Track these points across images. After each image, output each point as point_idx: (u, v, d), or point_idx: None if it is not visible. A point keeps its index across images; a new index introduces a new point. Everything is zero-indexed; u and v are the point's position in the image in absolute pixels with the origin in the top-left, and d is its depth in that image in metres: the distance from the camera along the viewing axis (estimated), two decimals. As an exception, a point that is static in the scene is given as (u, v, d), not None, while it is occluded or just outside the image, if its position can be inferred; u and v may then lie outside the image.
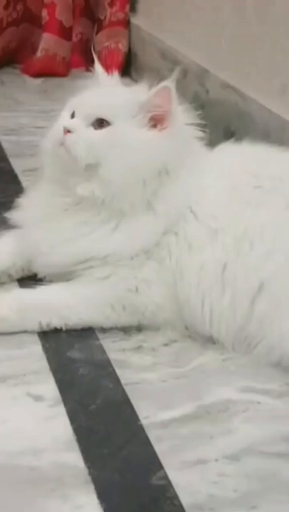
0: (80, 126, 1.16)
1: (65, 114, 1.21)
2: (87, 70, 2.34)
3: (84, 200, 1.19)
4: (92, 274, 1.19)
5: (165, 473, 0.94)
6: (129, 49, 2.32)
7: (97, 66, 1.26)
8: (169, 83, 1.14)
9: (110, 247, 1.18)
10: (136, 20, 2.30)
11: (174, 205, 1.18)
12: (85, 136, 1.16)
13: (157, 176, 1.17)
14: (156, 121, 1.17)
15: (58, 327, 1.19)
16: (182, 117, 1.20)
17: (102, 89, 1.23)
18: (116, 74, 1.27)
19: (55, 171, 1.22)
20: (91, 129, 1.17)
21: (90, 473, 0.94)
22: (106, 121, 1.16)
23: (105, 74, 1.26)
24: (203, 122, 1.23)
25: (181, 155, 1.18)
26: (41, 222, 1.23)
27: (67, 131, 1.16)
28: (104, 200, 1.17)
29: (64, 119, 1.20)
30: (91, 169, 1.16)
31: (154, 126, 1.17)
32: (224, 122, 1.77)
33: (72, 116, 1.19)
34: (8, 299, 1.19)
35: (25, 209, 1.29)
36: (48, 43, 2.24)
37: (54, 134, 1.19)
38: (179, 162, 1.18)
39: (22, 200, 1.31)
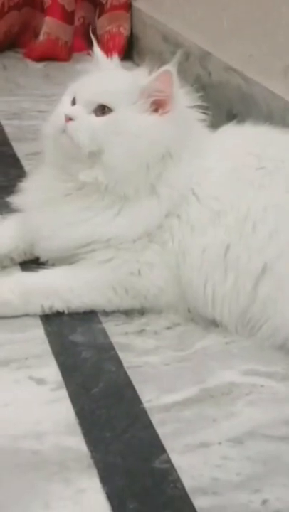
0: (82, 114, 1.15)
1: (66, 100, 1.20)
2: (89, 54, 2.32)
3: (86, 186, 1.18)
4: (94, 258, 1.19)
5: (168, 456, 0.94)
6: (131, 32, 2.31)
7: (96, 49, 1.25)
8: (170, 67, 1.13)
9: (113, 230, 1.17)
10: (137, 3, 2.28)
11: (177, 187, 1.17)
12: (87, 123, 1.15)
13: (161, 160, 1.16)
14: (157, 106, 1.16)
15: (61, 310, 1.18)
16: (184, 100, 1.19)
17: (102, 74, 1.21)
18: (116, 57, 1.25)
19: (56, 157, 1.21)
20: (93, 116, 1.15)
21: (93, 457, 0.93)
22: (107, 107, 1.15)
23: (105, 57, 1.24)
24: (205, 104, 1.22)
25: (184, 138, 1.17)
26: (43, 207, 1.23)
27: (69, 118, 1.15)
28: (107, 186, 1.16)
29: (65, 106, 1.19)
30: (94, 156, 1.15)
31: (156, 110, 1.16)
32: (227, 105, 1.76)
33: (74, 102, 1.18)
34: (10, 282, 1.19)
35: (27, 193, 1.28)
36: (50, 26, 2.23)
37: (55, 121, 1.18)
38: (181, 145, 1.17)
39: (24, 184, 1.30)
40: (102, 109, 1.15)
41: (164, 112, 1.15)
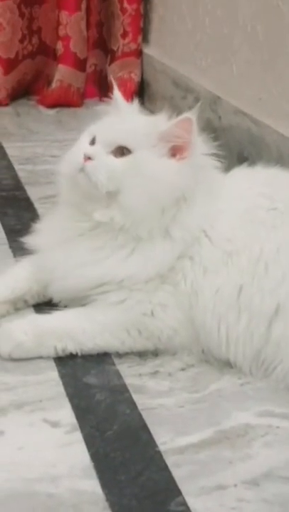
0: (101, 154, 1.16)
1: (85, 140, 1.21)
2: (101, 100, 2.37)
3: (101, 226, 1.19)
4: (107, 299, 1.19)
5: (183, 499, 0.93)
6: (142, 78, 2.34)
7: (117, 93, 1.25)
8: (191, 115, 1.14)
9: (126, 271, 1.18)
10: (148, 50, 2.32)
11: (190, 230, 1.18)
12: (106, 163, 1.16)
13: (176, 203, 1.17)
14: (175, 151, 1.17)
15: (74, 352, 1.18)
16: (200, 147, 1.20)
17: (122, 117, 1.22)
18: (136, 102, 1.26)
19: (72, 196, 1.22)
20: (112, 157, 1.16)
21: (108, 500, 0.93)
22: (127, 149, 1.16)
23: (125, 101, 1.25)
24: (220, 152, 1.23)
25: (199, 182, 1.18)
26: (57, 247, 1.23)
27: (88, 158, 1.16)
28: (123, 226, 1.17)
29: (83, 145, 1.20)
30: (111, 196, 1.16)
31: (174, 155, 1.17)
32: (237, 148, 1.78)
33: (92, 142, 1.19)
34: (23, 324, 1.19)
35: (41, 234, 1.29)
36: (62, 74, 2.27)
37: (73, 159, 1.19)
38: (196, 189, 1.18)
39: (38, 225, 1.32)
40: (122, 151, 1.16)
41: (182, 158, 1.16)
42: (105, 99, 1.29)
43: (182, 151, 1.16)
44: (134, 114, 1.24)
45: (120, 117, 1.22)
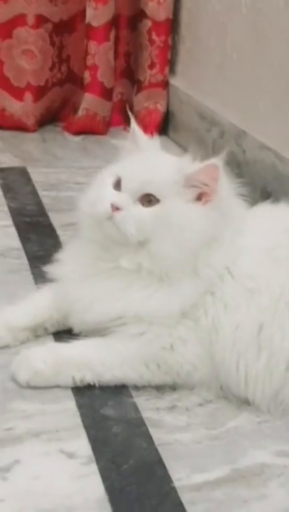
0: (129, 204, 1.15)
1: (109, 181, 1.19)
2: (126, 129, 2.37)
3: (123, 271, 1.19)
4: (126, 331, 1.19)
5: (198, 537, 0.93)
6: (167, 108, 2.36)
7: (135, 127, 1.24)
8: (217, 161, 1.13)
9: (148, 307, 1.17)
10: (174, 81, 2.34)
11: (216, 267, 1.17)
12: (135, 214, 1.15)
13: (204, 246, 1.17)
14: (201, 195, 1.16)
15: (92, 383, 1.19)
16: (226, 190, 1.19)
17: (147, 160, 1.20)
18: (156, 137, 1.26)
19: (96, 236, 1.20)
20: (139, 206, 1.15)
21: (122, 535, 0.93)
22: (154, 196, 1.16)
23: (145, 136, 1.24)
24: (244, 188, 1.23)
25: (226, 222, 1.18)
26: (79, 281, 1.23)
27: (116, 208, 1.15)
28: (152, 272, 1.17)
29: (108, 188, 1.18)
30: (139, 244, 1.16)
31: (199, 198, 1.16)
32: (261, 183, 1.78)
33: (117, 185, 1.18)
34: (42, 352, 1.20)
35: (63, 265, 1.30)
36: (89, 102, 2.29)
37: (100, 207, 1.17)
38: (224, 229, 1.18)
39: (60, 256, 1.32)
40: (149, 198, 1.16)
41: (208, 201, 1.16)
42: (129, 128, 1.27)
43: (208, 195, 1.16)
44: (157, 155, 1.22)
45: (144, 159, 1.20)
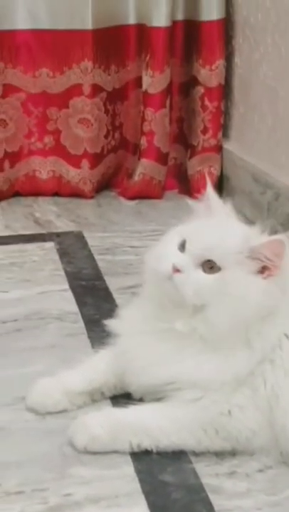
0: (189, 267, 1.15)
1: (174, 241, 1.19)
2: (180, 192, 2.41)
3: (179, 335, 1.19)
4: (181, 396, 1.18)
5: None
6: (221, 172, 2.38)
7: (211, 192, 1.23)
8: (283, 237, 1.13)
9: (200, 374, 1.17)
10: (228, 145, 2.37)
11: (271, 339, 1.16)
12: (194, 278, 1.15)
13: (261, 319, 1.16)
14: (264, 269, 1.15)
15: (149, 449, 1.18)
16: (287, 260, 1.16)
17: (215, 226, 1.19)
18: (229, 204, 1.24)
19: (158, 295, 1.21)
20: (200, 271, 1.15)
21: None
22: (216, 264, 1.15)
23: (219, 201, 1.23)
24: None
25: (284, 297, 1.16)
26: (135, 338, 1.24)
27: (177, 269, 1.16)
28: (206, 338, 1.17)
29: (173, 248, 1.18)
30: (196, 308, 1.16)
31: (262, 271, 1.15)
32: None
33: (182, 246, 1.18)
34: (100, 417, 1.20)
35: (123, 320, 1.30)
36: (145, 167, 2.33)
37: (162, 266, 1.17)
38: (281, 303, 1.16)
39: (121, 311, 1.32)
40: (211, 265, 1.15)
41: (270, 275, 1.14)
42: (198, 195, 1.27)
43: (271, 270, 1.14)
44: (226, 223, 1.21)
45: (212, 223, 1.20)
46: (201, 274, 1.16)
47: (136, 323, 1.26)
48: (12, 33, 2.23)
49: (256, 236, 1.18)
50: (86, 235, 2.08)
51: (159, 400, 1.22)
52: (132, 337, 1.25)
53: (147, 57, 2.26)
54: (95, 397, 1.31)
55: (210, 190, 1.23)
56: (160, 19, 2.22)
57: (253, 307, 1.14)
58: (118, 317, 1.32)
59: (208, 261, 1.15)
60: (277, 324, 1.16)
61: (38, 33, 2.24)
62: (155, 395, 1.22)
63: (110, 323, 1.32)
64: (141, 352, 1.22)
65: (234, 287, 1.14)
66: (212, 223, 1.20)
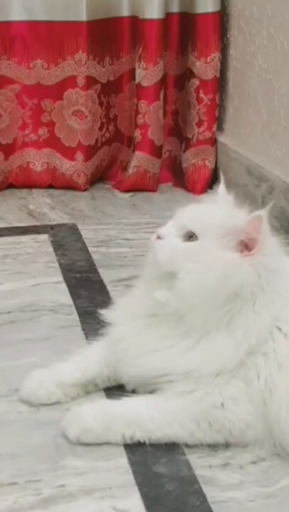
0: (170, 235, 1.19)
1: (170, 222, 1.22)
2: (174, 185, 2.41)
3: (159, 310, 1.20)
4: (174, 388, 1.18)
5: None
6: (215, 165, 2.38)
7: (222, 187, 1.25)
8: (263, 212, 1.13)
9: (189, 363, 1.17)
10: (222, 138, 2.37)
11: (255, 331, 1.16)
12: (171, 244, 1.18)
13: (233, 298, 1.15)
14: (244, 247, 1.15)
15: (142, 440, 1.18)
16: (272, 248, 1.18)
17: (206, 206, 1.23)
18: (232, 196, 1.24)
19: (147, 272, 1.24)
20: (178, 240, 1.18)
21: None
22: (195, 235, 1.18)
23: (226, 193, 1.24)
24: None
25: (261, 283, 1.15)
26: (128, 326, 1.24)
27: (158, 237, 1.19)
28: (177, 312, 1.17)
29: (168, 225, 1.22)
30: (170, 278, 1.17)
31: (241, 250, 1.15)
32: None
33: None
34: (93, 408, 1.20)
35: (117, 308, 1.31)
36: (139, 160, 2.33)
37: (152, 237, 1.22)
38: (258, 290, 1.15)
39: (117, 300, 1.34)
40: (190, 236, 1.18)
41: (247, 255, 1.15)
42: (210, 191, 1.29)
43: (249, 248, 1.15)
44: (221, 206, 1.22)
45: (204, 206, 1.24)
46: (177, 242, 1.18)
47: (129, 310, 1.27)
48: (7, 25, 2.22)
49: (240, 215, 1.18)
50: (80, 227, 2.08)
51: (152, 392, 1.22)
52: (125, 325, 1.25)
53: (140, 50, 2.25)
54: (88, 389, 1.31)
55: (222, 187, 1.25)
56: (153, 11, 2.22)
57: (218, 279, 1.14)
58: (112, 306, 1.33)
59: (189, 232, 1.18)
60: (260, 316, 1.16)
61: (32, 25, 2.23)
62: (148, 387, 1.22)
63: (104, 313, 1.32)
64: (132, 341, 1.23)
65: (204, 255, 1.15)
66: (205, 206, 1.24)
